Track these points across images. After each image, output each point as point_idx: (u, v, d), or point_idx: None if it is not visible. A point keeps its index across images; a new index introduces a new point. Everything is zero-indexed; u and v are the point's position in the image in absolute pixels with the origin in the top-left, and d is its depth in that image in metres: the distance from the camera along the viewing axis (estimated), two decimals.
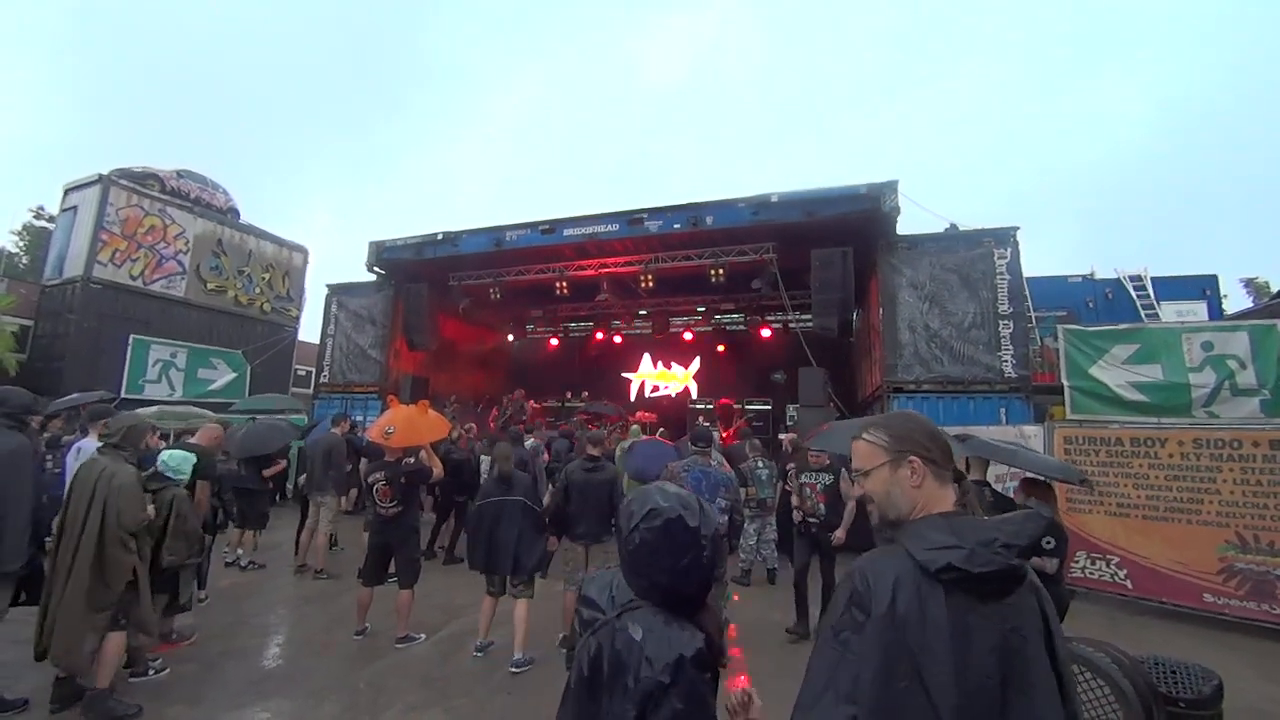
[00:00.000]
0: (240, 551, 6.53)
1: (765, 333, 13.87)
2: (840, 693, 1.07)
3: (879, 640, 1.06)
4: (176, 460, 4.05)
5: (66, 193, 13.82)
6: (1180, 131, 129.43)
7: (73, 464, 5.03)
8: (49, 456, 6.33)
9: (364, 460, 6.58)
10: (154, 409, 9.98)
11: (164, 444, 4.76)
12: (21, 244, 24.20)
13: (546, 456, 8.30)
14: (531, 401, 13.65)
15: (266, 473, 6.32)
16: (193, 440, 4.67)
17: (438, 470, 4.75)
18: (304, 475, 6.75)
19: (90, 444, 4.38)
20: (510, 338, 15.93)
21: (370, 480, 4.59)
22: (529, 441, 8.11)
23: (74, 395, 7.53)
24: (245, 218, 17.01)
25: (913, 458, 1.25)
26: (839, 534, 4.84)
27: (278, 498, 10.38)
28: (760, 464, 6.47)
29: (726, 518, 4.04)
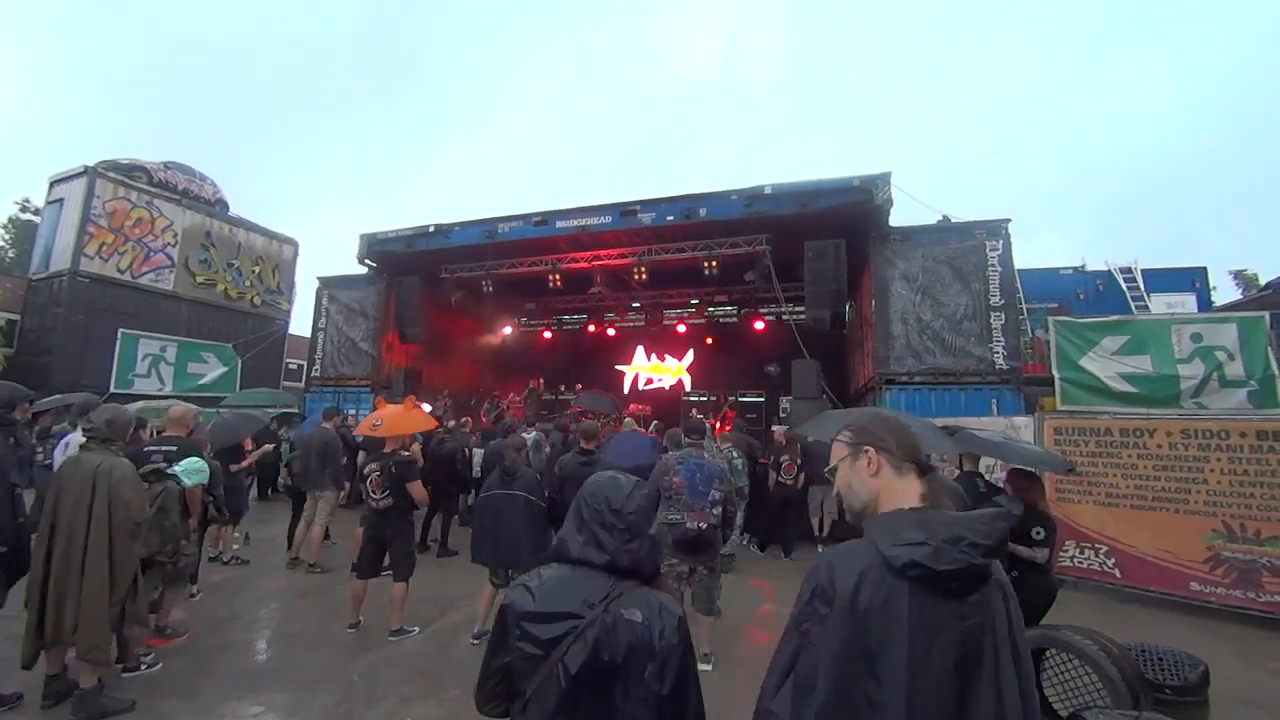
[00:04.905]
0: (220, 547, 6.50)
1: (759, 325, 13.88)
2: (800, 683, 1.10)
3: (839, 631, 1.09)
4: (193, 466, 4.05)
5: (52, 185, 13.64)
6: (1183, 126, 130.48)
7: (60, 456, 4.99)
8: (39, 449, 6.28)
9: (361, 454, 6.56)
10: (139, 404, 9.90)
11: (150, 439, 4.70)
12: (7, 237, 23.89)
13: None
14: (508, 401, 13.59)
15: (234, 468, 6.26)
16: (169, 433, 4.60)
17: (420, 496, 4.71)
18: (288, 467, 6.69)
19: (78, 437, 4.34)
20: (504, 330, 15.87)
21: (365, 471, 4.60)
22: (531, 435, 8.10)
23: (58, 395, 7.46)
24: (254, 210, 16.91)
25: (868, 448, 1.30)
26: None
27: (270, 491, 10.35)
28: (735, 454, 6.78)
29: (720, 509, 4.05)
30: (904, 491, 1.25)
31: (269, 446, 7.20)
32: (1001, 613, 1.13)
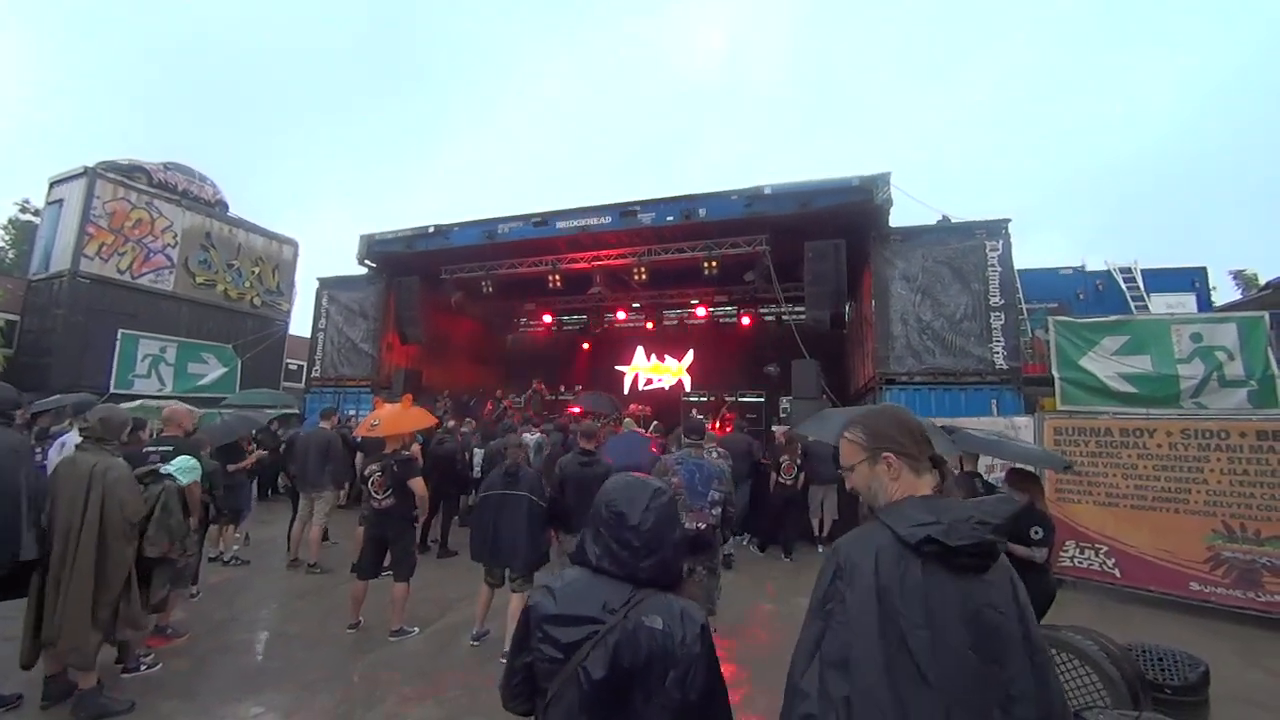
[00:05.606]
0: (221, 547, 6.50)
1: (758, 325, 13.87)
2: (828, 659, 1.15)
3: (864, 611, 1.14)
4: (185, 464, 4.05)
5: (52, 186, 13.62)
6: (1184, 126, 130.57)
7: (55, 457, 4.99)
8: (37, 449, 6.29)
9: (359, 455, 6.55)
10: (131, 404, 9.91)
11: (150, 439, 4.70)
12: (7, 238, 23.88)
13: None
14: (508, 401, 13.56)
15: (232, 468, 6.27)
16: (167, 434, 4.60)
17: (421, 492, 4.72)
18: (285, 470, 6.68)
19: (74, 437, 4.34)
20: (504, 331, 15.87)
21: (366, 472, 4.60)
22: (534, 436, 8.11)
23: (56, 396, 7.45)
24: (254, 210, 16.89)
25: (887, 454, 1.34)
26: None
27: (270, 492, 10.35)
28: (717, 454, 6.73)
29: (719, 510, 4.04)
30: (922, 487, 1.31)
31: (263, 452, 7.17)
32: (1012, 596, 1.18)
